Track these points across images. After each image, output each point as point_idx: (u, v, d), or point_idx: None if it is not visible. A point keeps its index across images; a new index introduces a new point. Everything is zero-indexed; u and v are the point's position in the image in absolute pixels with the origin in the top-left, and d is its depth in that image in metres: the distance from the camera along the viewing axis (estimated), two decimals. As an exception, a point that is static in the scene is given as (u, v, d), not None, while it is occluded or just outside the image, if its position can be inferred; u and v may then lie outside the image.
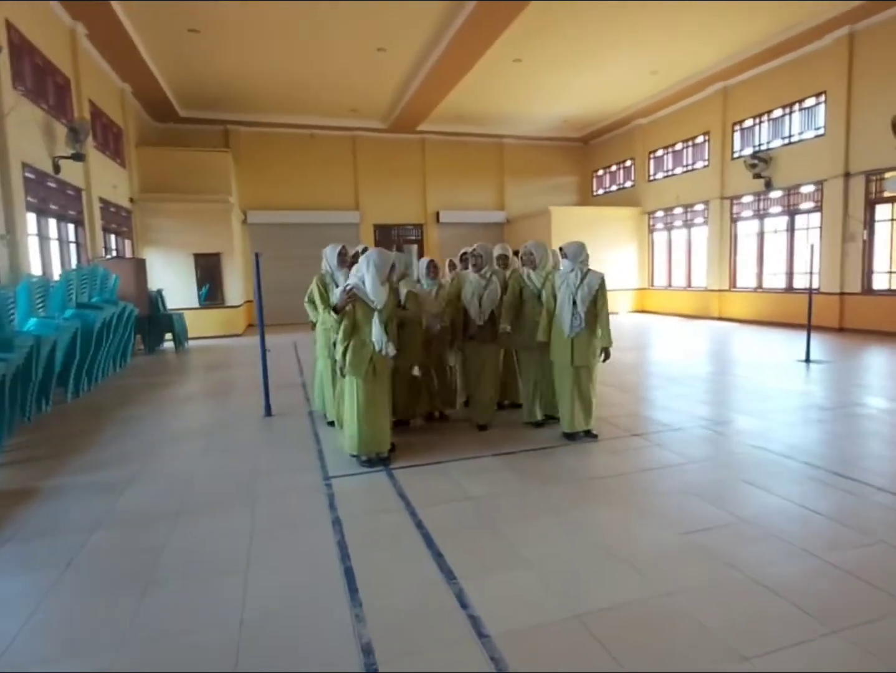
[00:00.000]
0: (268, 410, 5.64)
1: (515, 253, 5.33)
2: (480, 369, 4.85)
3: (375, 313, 3.87)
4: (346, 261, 4.92)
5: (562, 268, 4.62)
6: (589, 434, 4.58)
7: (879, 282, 10.05)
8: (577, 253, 4.42)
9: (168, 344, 11.33)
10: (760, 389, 6.15)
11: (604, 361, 4.54)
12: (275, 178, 15.94)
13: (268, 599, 2.44)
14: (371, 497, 3.57)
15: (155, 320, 10.79)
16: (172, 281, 12.55)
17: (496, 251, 5.08)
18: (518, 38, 10.11)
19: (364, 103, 14.30)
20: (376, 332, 3.86)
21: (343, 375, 3.98)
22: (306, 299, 5.06)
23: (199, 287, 13.12)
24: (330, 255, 4.98)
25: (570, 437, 4.56)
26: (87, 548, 2.94)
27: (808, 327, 7.72)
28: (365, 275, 3.89)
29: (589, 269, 4.48)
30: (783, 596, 2.34)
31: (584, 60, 11.41)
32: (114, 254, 10.97)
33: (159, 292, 11.29)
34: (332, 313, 3.93)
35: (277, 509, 3.37)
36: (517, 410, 5.23)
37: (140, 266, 10.44)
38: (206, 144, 14.52)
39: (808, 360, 7.54)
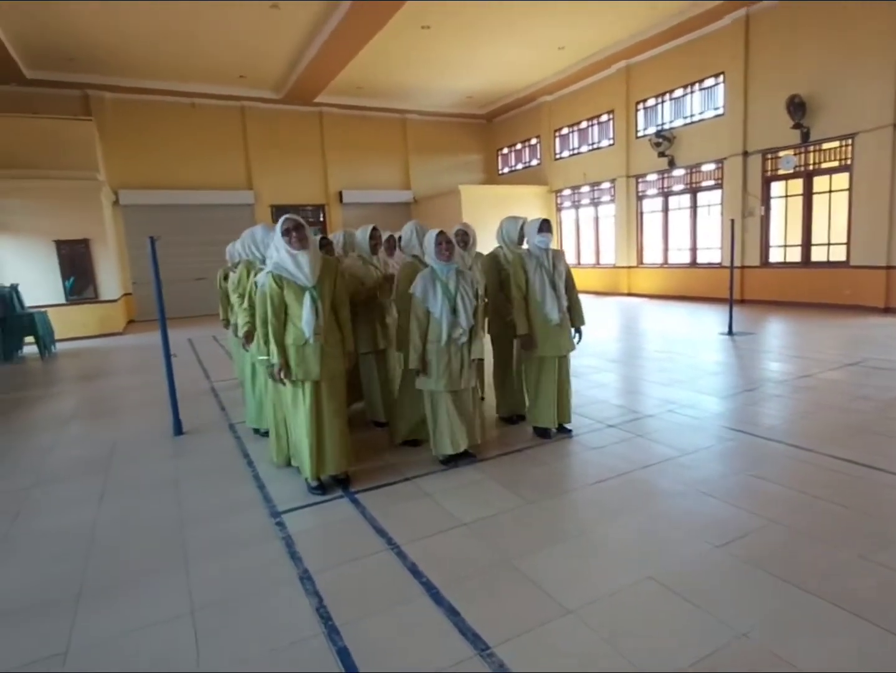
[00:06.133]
0: (178, 428, 4.64)
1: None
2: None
3: (307, 293, 3.10)
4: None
5: (527, 246, 4.12)
6: (562, 429, 4.17)
7: (775, 255, 10.71)
8: (549, 229, 3.95)
9: (30, 349, 9.48)
10: (703, 366, 6.13)
11: (577, 341, 4.15)
12: (151, 153, 13.96)
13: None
14: (340, 536, 2.86)
15: (11, 322, 8.94)
16: (30, 274, 10.56)
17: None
18: (428, 1, 9.39)
19: (254, 69, 12.81)
20: (306, 315, 3.08)
21: (283, 383, 3.20)
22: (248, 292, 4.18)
23: (65, 280, 11.15)
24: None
25: (543, 433, 4.12)
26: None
27: (731, 302, 7.92)
28: (277, 250, 3.14)
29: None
30: (880, 623, 2.01)
31: (493, 31, 10.92)
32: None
33: (14, 288, 9.37)
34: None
35: (222, 572, 2.57)
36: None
37: (-15, 257, 8.56)
38: (61, 112, 12.27)
39: (731, 332, 7.75)
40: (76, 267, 11.28)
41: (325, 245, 4.34)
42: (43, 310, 9.72)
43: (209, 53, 11.53)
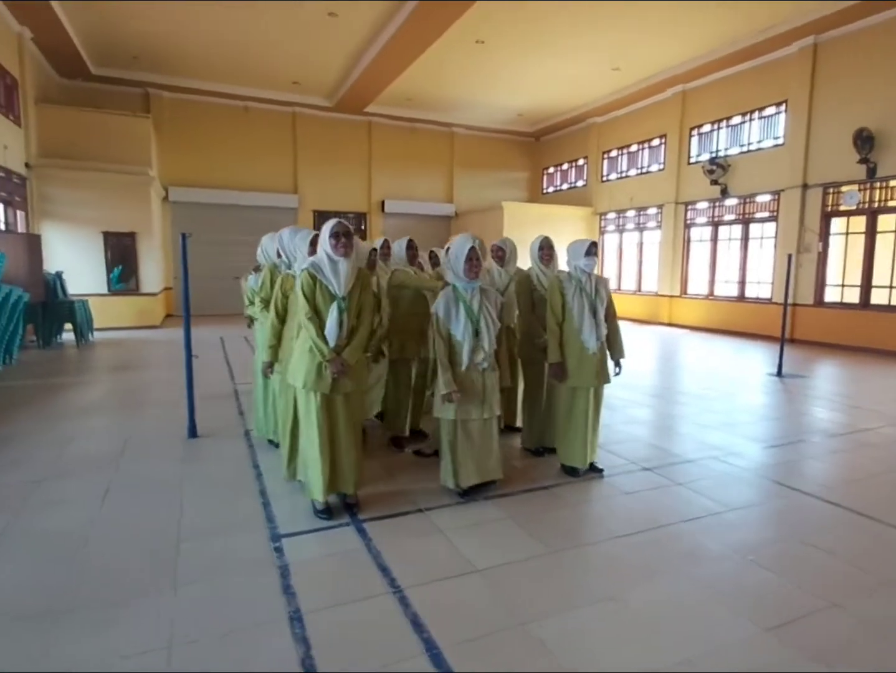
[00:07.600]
0: (192, 431, 4.52)
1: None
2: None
3: (335, 302, 2.94)
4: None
5: (567, 268, 3.84)
6: (593, 467, 3.86)
7: (830, 294, 10.10)
8: (596, 252, 3.68)
9: (68, 336, 9.66)
10: (751, 408, 5.70)
11: (617, 374, 3.85)
12: (202, 153, 14.29)
13: None
14: (340, 571, 2.62)
15: (51, 308, 9.14)
16: (76, 262, 10.82)
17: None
18: (484, 15, 9.28)
19: (308, 76, 12.99)
20: (330, 325, 2.93)
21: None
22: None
23: (109, 270, 11.39)
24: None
25: (571, 471, 3.81)
26: None
27: (782, 341, 7.42)
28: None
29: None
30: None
31: (548, 48, 10.76)
32: (0, 227, 9.17)
33: (58, 275, 9.59)
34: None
35: (210, 601, 2.35)
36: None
37: (34, 243, 8.77)
38: (121, 108, 12.65)
39: (780, 374, 7.25)
40: (121, 259, 11.52)
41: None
42: (84, 298, 9.92)
43: (266, 59, 11.73)
